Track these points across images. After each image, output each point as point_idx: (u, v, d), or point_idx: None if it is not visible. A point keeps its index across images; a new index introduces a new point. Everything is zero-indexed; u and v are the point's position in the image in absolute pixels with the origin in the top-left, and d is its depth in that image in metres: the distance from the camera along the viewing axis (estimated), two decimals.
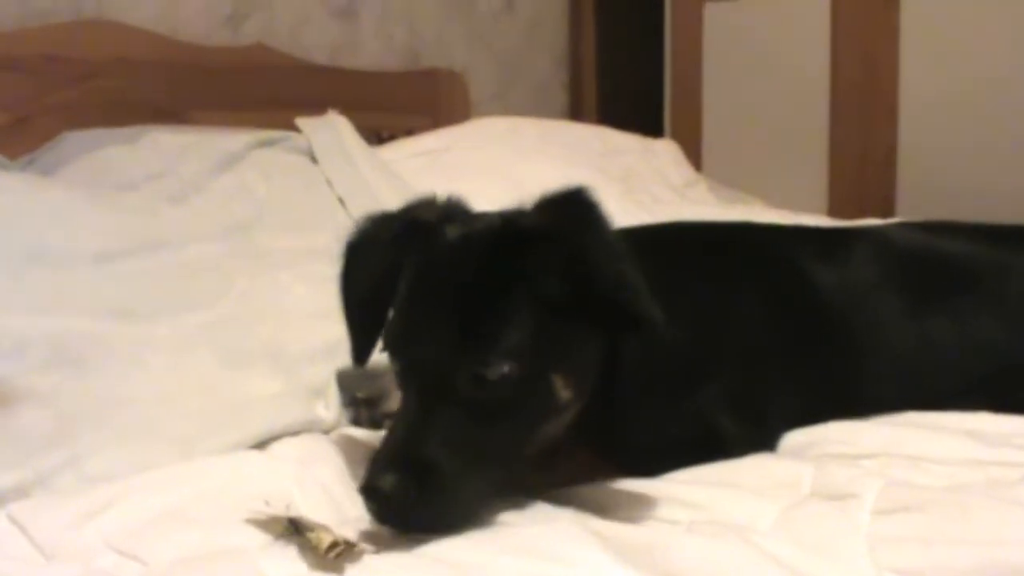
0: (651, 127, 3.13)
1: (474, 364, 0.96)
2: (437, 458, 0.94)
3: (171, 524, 0.99)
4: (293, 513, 0.95)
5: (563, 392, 1.00)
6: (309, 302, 1.48)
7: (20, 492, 1.03)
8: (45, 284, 1.33)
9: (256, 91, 2.38)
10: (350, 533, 0.95)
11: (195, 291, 1.46)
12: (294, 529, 0.92)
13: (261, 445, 1.23)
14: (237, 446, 1.20)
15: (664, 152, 2.81)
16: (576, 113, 3.42)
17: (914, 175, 2.96)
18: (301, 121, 2.13)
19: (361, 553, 0.88)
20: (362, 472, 1.00)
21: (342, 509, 1.03)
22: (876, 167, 3.01)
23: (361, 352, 1.14)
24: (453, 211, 1.12)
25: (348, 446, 1.21)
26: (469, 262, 1.00)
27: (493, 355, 0.96)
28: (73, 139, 1.95)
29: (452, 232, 1.06)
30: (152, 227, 1.59)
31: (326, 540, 0.87)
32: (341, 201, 1.89)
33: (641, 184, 2.55)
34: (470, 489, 0.96)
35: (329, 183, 1.93)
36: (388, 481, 0.91)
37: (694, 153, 3.12)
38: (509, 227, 1.03)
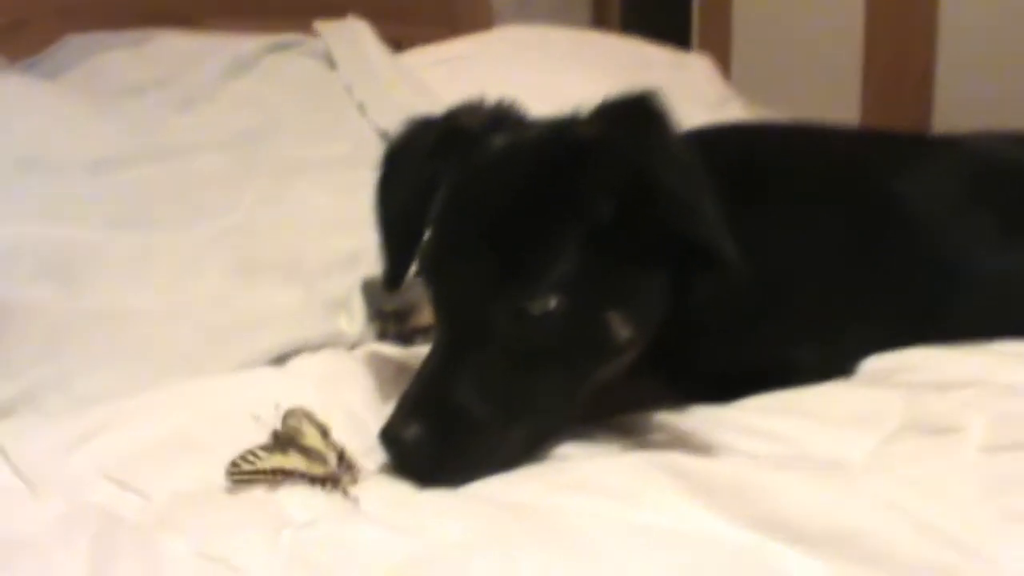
0: (678, 39, 2.96)
1: (515, 297, 0.83)
2: (469, 406, 0.83)
3: (176, 451, 0.86)
4: (287, 424, 0.85)
5: (621, 332, 0.88)
6: (329, 211, 1.36)
7: (3, 411, 0.89)
8: (37, 192, 1.25)
9: None
10: (371, 464, 0.84)
11: (203, 201, 1.35)
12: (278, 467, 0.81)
13: (278, 363, 1.11)
14: (249, 363, 1.08)
15: (697, 67, 2.63)
16: (599, 24, 3.24)
17: (952, 95, 2.80)
18: (320, 24, 1.99)
19: (349, 485, 0.80)
20: (390, 393, 0.87)
21: (368, 432, 0.89)
22: (912, 86, 2.85)
23: (395, 274, 1.02)
24: (502, 117, 0.98)
25: (375, 364, 1.09)
26: (513, 177, 0.89)
27: (537, 287, 0.83)
28: (76, 43, 1.86)
29: (497, 142, 0.93)
30: (157, 135, 1.52)
31: (316, 470, 0.79)
32: (361, 108, 1.75)
33: (673, 101, 2.39)
34: (507, 442, 0.85)
35: (348, 90, 1.80)
36: (411, 431, 0.81)
37: (723, 67, 2.94)
38: (561, 137, 0.90)
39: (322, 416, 0.88)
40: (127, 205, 1.29)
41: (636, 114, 0.87)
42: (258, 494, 0.79)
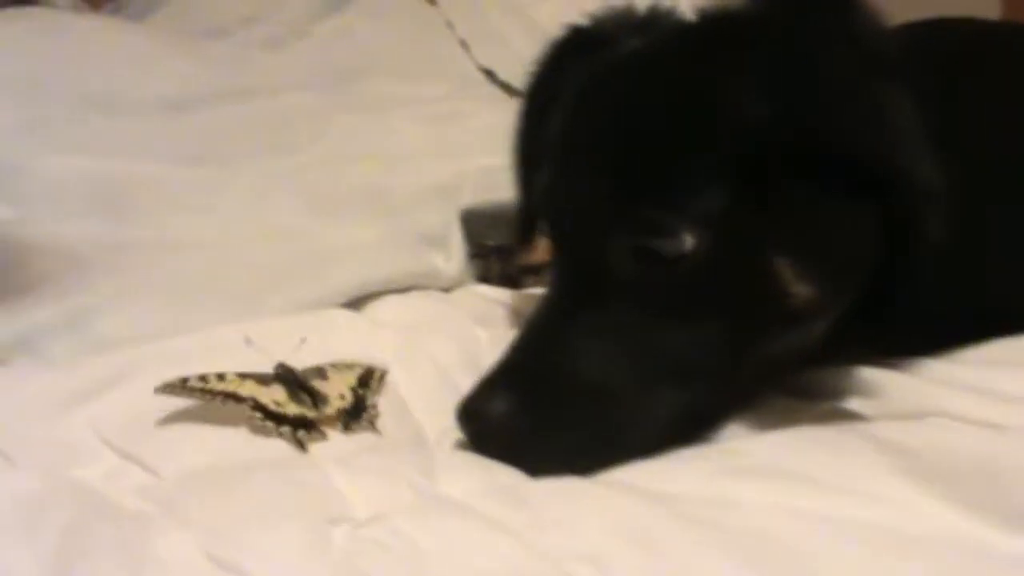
0: None
1: (641, 234, 0.63)
2: (583, 372, 0.64)
3: (202, 414, 0.65)
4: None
5: (797, 288, 0.64)
6: (423, 140, 1.20)
7: None
8: (102, 129, 1.17)
9: None
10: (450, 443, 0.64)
11: (282, 138, 1.21)
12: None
13: (354, 305, 0.91)
14: (317, 304, 0.89)
15: None
16: None
17: None
18: None
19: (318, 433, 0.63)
20: (490, 346, 0.68)
21: (457, 392, 0.67)
22: None
23: (525, 221, 0.83)
24: (653, 22, 0.76)
25: (473, 307, 0.89)
26: (639, 81, 0.68)
27: (669, 221, 0.62)
28: None
29: (629, 44, 0.73)
30: (241, 75, 1.42)
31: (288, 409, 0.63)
32: (464, 45, 1.61)
33: None
34: (645, 420, 0.64)
35: (450, 25, 1.66)
36: (498, 404, 0.62)
37: None
38: (703, 25, 0.68)
39: (401, 374, 0.69)
40: (198, 143, 1.17)
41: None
42: (308, 476, 0.58)
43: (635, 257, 0.64)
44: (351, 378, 0.69)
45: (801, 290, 0.64)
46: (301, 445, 0.62)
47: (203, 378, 0.62)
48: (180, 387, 0.61)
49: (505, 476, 0.60)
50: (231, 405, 0.62)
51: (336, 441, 0.64)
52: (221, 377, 0.63)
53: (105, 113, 1.21)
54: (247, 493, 0.56)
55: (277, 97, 1.35)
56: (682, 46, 0.68)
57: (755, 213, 0.63)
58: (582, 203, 0.67)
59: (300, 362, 0.69)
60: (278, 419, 0.62)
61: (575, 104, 0.71)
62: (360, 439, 0.64)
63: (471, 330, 0.83)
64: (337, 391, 0.67)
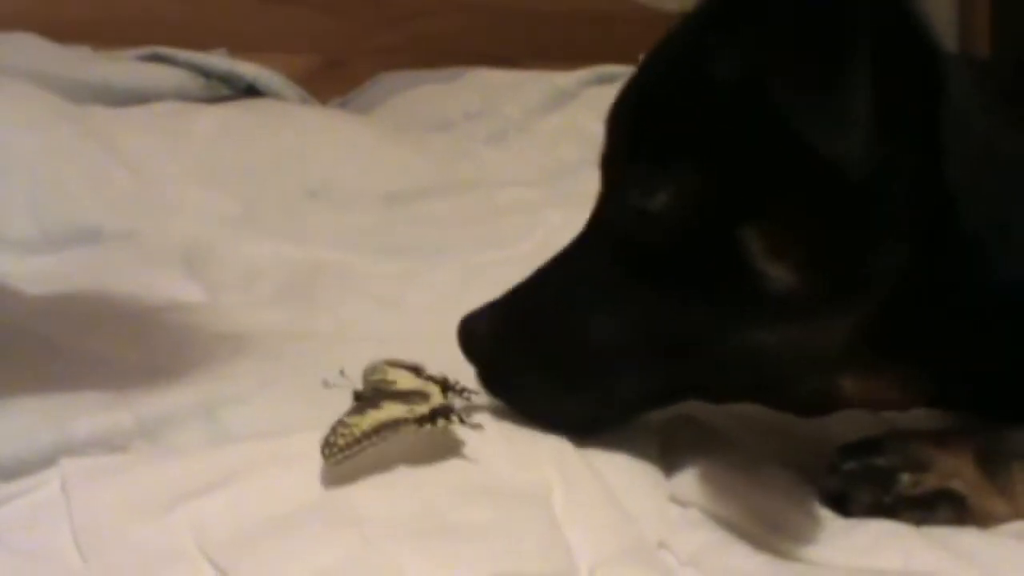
0: None
1: (631, 187, 0.65)
2: (561, 319, 0.66)
3: (332, 520, 0.54)
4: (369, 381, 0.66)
5: (772, 267, 0.60)
6: None
7: (101, 444, 0.63)
8: (311, 219, 1.20)
9: (598, 40, 2.09)
10: None
11: (493, 232, 1.18)
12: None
13: None
14: None
15: None
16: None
17: None
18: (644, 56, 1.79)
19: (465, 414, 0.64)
20: None
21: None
22: None
23: None
24: None
25: None
26: (661, 44, 0.68)
27: (650, 177, 0.63)
28: (388, 79, 1.89)
29: None
30: (461, 168, 1.45)
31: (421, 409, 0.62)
32: None
33: None
34: (603, 378, 0.65)
35: None
36: (480, 327, 0.68)
37: None
38: None
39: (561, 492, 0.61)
40: (405, 234, 1.18)
41: None
42: None
43: (631, 213, 0.64)
44: (404, 372, 0.69)
45: (778, 272, 0.60)
46: (475, 426, 0.63)
47: (338, 433, 0.59)
48: (346, 452, 0.58)
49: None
50: (392, 432, 0.61)
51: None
52: (345, 424, 0.60)
53: (319, 203, 1.25)
54: None
55: (494, 191, 1.34)
56: (699, 12, 0.66)
57: (728, 183, 0.61)
58: (606, 161, 0.69)
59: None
60: (432, 419, 0.62)
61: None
62: None
63: None
64: (414, 384, 0.67)
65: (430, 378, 0.67)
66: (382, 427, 0.60)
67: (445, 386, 0.65)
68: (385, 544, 0.50)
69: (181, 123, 1.32)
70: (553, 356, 0.66)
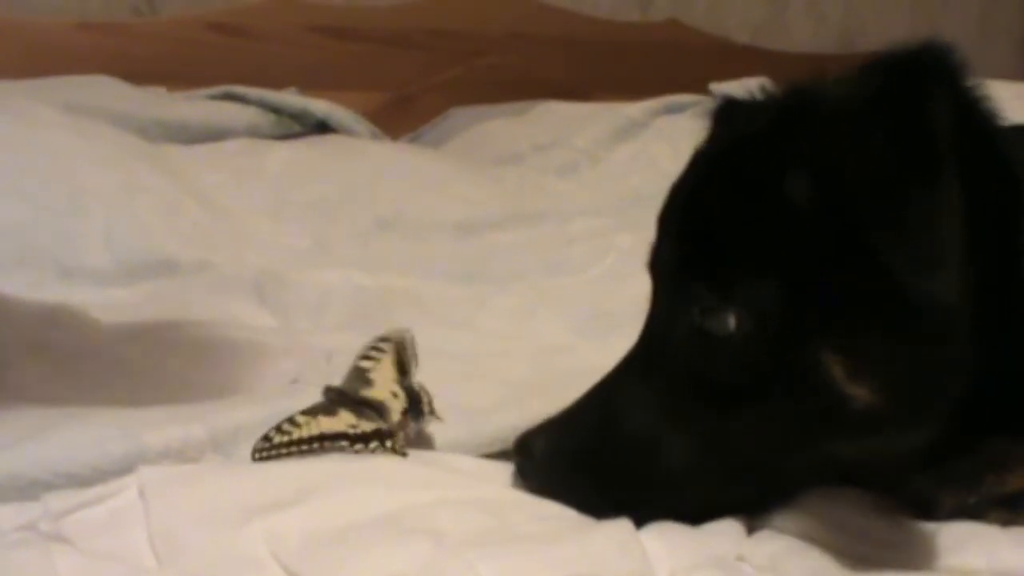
0: None
1: (693, 309, 0.62)
2: (622, 436, 0.65)
3: (408, 532, 0.54)
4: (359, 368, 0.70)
5: (853, 388, 0.59)
6: None
7: (175, 455, 0.64)
8: (381, 249, 1.21)
9: (666, 71, 2.08)
10: None
11: (563, 259, 1.19)
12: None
13: None
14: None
15: None
16: None
17: None
18: (715, 86, 1.77)
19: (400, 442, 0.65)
20: None
21: None
22: None
23: None
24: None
25: None
26: (718, 159, 0.67)
27: (716, 297, 0.61)
28: (457, 114, 1.91)
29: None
30: (531, 200, 1.45)
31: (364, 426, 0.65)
32: None
33: None
34: (668, 494, 0.64)
35: None
36: (538, 445, 0.66)
37: None
38: (782, 103, 0.65)
39: None
40: (475, 262, 1.19)
41: (900, 70, 0.58)
42: None
43: (692, 332, 0.62)
44: (390, 370, 0.70)
45: (859, 392, 0.58)
46: (402, 453, 0.64)
47: (281, 430, 0.62)
48: (272, 449, 0.62)
49: None
50: (327, 446, 0.63)
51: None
52: (293, 422, 0.63)
53: (390, 234, 1.25)
54: None
55: (565, 222, 1.34)
56: (759, 128, 0.64)
57: (804, 304, 0.59)
58: (661, 270, 0.67)
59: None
60: (365, 440, 0.64)
61: (681, 175, 0.70)
62: None
63: None
64: (388, 390, 0.68)
65: (408, 388, 0.69)
66: (319, 439, 0.63)
67: (412, 402, 0.68)
68: (460, 550, 0.49)
69: (253, 159, 1.34)
70: (614, 480, 0.64)
